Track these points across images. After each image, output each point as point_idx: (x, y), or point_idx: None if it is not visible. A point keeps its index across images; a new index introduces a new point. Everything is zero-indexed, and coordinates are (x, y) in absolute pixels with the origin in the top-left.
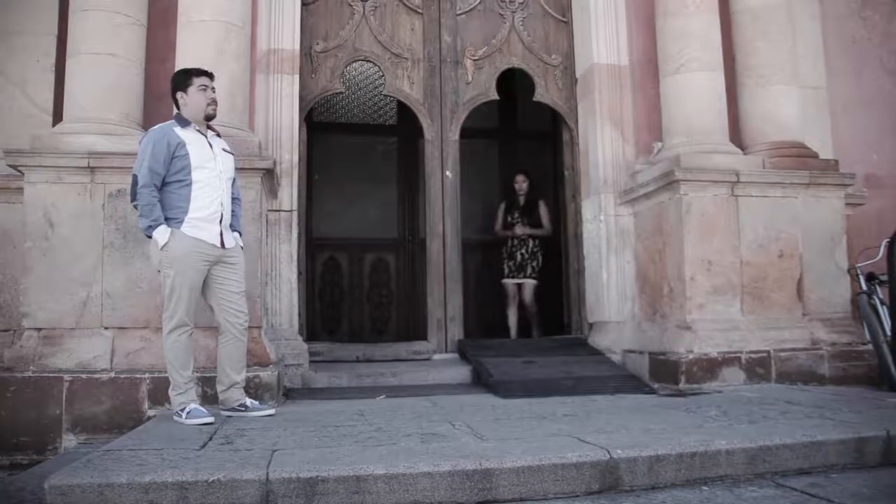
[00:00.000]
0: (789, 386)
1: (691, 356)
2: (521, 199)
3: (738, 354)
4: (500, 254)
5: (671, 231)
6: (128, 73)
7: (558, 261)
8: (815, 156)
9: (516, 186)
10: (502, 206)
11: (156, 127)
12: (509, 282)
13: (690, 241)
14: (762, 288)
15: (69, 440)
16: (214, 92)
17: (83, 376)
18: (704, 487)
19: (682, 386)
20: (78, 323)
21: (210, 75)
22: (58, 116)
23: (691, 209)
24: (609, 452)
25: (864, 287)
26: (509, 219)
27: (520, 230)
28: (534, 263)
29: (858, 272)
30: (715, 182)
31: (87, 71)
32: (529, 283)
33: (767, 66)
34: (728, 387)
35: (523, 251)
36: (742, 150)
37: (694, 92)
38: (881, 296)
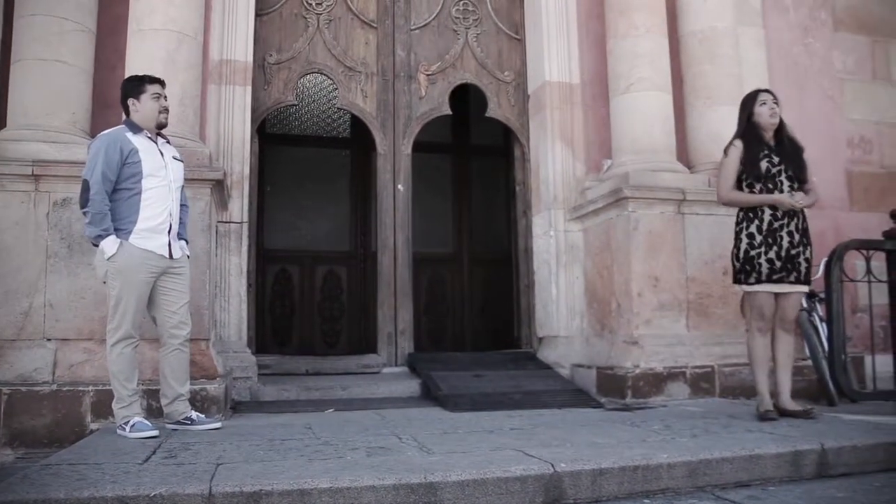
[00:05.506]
0: (733, 400)
1: (638, 371)
2: (770, 137)
3: (684, 369)
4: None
5: (619, 247)
6: (75, 80)
7: (508, 275)
8: None
9: (764, 110)
10: (737, 147)
11: (106, 131)
12: (765, 289)
13: (638, 258)
14: (707, 304)
15: (6, 455)
16: (167, 100)
17: (23, 389)
18: (646, 500)
19: (628, 400)
20: (19, 334)
21: (162, 83)
22: (1, 123)
23: (639, 226)
24: (553, 466)
25: (805, 304)
26: (769, 168)
27: (802, 201)
28: (807, 254)
29: None
30: (662, 200)
31: (33, 77)
32: (799, 293)
33: (714, 88)
34: (673, 401)
35: (792, 228)
36: (689, 168)
37: (643, 111)
38: (820, 313)
